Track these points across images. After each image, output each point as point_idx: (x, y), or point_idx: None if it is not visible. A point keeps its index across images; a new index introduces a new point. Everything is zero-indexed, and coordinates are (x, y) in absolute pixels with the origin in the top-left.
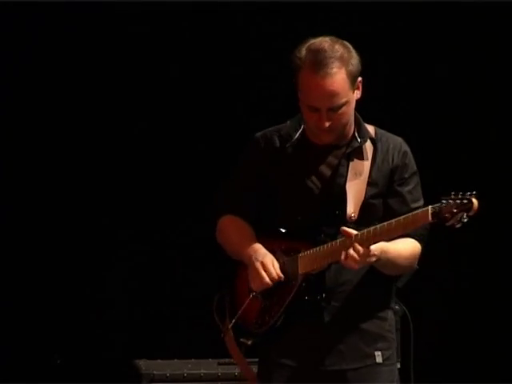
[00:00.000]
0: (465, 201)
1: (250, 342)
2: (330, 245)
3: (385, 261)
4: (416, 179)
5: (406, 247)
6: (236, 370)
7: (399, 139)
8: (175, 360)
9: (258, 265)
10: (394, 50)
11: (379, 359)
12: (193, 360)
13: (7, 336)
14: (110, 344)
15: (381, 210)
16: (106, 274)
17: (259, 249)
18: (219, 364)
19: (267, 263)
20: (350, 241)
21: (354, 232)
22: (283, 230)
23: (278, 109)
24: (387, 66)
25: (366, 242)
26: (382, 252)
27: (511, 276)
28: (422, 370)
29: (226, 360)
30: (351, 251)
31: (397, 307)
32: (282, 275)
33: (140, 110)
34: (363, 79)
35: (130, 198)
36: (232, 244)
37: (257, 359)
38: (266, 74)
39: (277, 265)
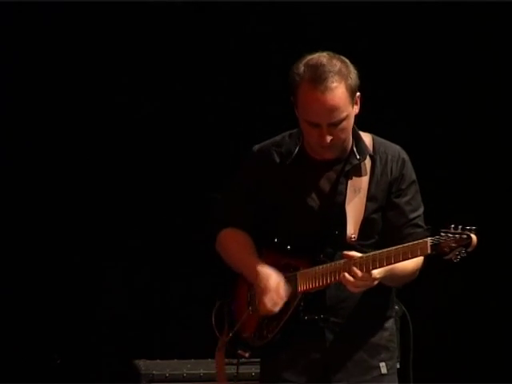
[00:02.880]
0: (464, 236)
1: (247, 355)
2: (329, 265)
3: (391, 278)
4: (414, 188)
5: (409, 262)
6: (235, 371)
7: (397, 148)
8: (174, 360)
9: (261, 291)
10: (392, 54)
11: (384, 370)
12: (192, 360)
13: (7, 336)
14: (110, 344)
15: (380, 224)
16: (105, 273)
17: (262, 269)
18: None
19: (270, 288)
20: (349, 264)
21: (358, 254)
22: (288, 247)
23: (278, 115)
24: (385, 70)
25: (366, 267)
26: (387, 271)
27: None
28: (421, 370)
29: (226, 360)
30: (348, 276)
31: (396, 307)
32: (284, 298)
33: (143, 110)
34: (361, 93)
35: (132, 198)
36: (233, 259)
37: (257, 359)
38: (267, 78)
39: (282, 287)
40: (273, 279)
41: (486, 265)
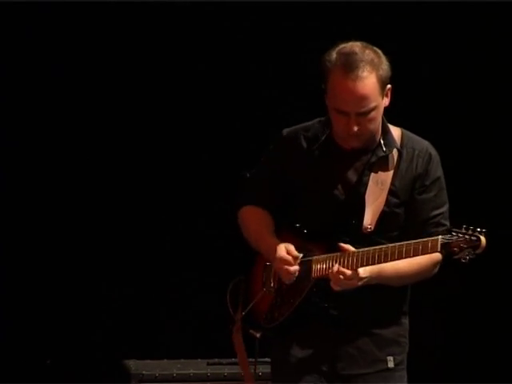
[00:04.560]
0: (473, 238)
1: (258, 335)
2: (336, 255)
3: (381, 280)
4: (439, 185)
5: (411, 262)
6: (225, 371)
7: (425, 143)
8: (164, 360)
9: (278, 262)
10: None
11: (391, 364)
12: (182, 360)
13: None
14: (100, 344)
15: (402, 218)
16: (95, 274)
17: (274, 246)
18: (208, 364)
19: (283, 256)
20: (344, 256)
21: (352, 249)
22: (304, 230)
23: (305, 107)
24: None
25: (363, 263)
26: (373, 273)
27: (508, 277)
28: (416, 369)
29: (216, 360)
30: (335, 273)
31: None
32: (299, 254)
33: (143, 110)
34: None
35: (125, 197)
36: (253, 234)
37: (266, 359)
38: (275, 75)
39: (291, 247)
40: (281, 248)
41: (484, 265)
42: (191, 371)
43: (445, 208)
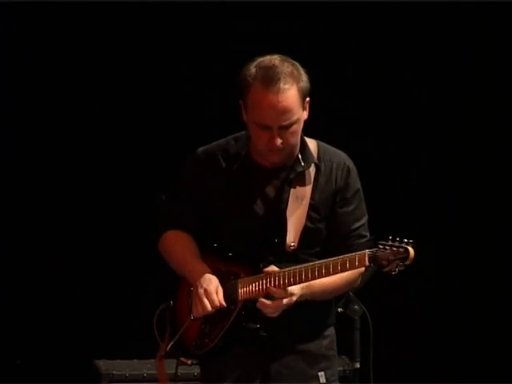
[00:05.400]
0: (401, 249)
1: (189, 362)
2: (263, 276)
3: (311, 296)
4: (359, 197)
5: (339, 276)
6: (195, 370)
7: (342, 155)
8: (135, 360)
9: (202, 292)
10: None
11: (323, 379)
12: (152, 360)
13: None
14: (70, 344)
15: (324, 233)
16: (65, 274)
17: (204, 273)
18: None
19: (211, 291)
20: (268, 278)
21: (276, 269)
22: (229, 254)
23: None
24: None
25: (290, 281)
26: (303, 288)
27: (473, 275)
28: (382, 369)
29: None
30: (264, 300)
31: (356, 307)
32: (224, 303)
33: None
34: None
35: (86, 197)
36: (176, 261)
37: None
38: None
39: (220, 292)
40: (213, 284)
41: (448, 264)
42: None
43: (365, 219)
